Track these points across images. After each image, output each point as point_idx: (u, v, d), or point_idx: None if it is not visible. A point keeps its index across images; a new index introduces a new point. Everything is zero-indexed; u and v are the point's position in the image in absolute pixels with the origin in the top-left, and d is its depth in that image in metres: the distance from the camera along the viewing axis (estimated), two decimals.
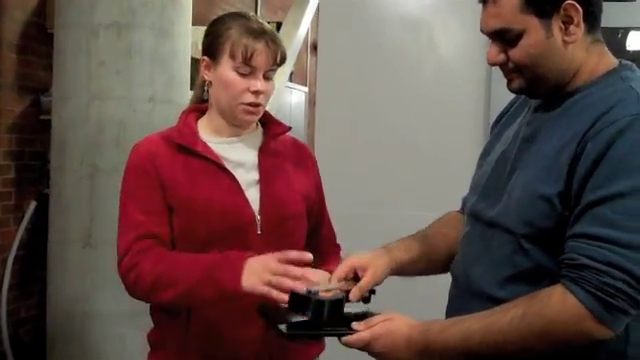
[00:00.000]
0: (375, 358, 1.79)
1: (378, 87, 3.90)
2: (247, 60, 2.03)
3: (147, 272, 1.95)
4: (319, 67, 4.20)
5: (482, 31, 1.75)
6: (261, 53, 2.03)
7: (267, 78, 2.08)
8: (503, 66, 1.76)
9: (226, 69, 2.06)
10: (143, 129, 3.87)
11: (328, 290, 1.84)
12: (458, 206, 3.60)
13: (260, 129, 2.22)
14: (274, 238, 2.06)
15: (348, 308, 1.87)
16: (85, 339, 3.99)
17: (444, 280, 2.00)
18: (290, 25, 7.64)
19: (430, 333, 1.71)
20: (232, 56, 2.04)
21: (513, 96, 3.38)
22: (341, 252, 2.35)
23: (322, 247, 2.28)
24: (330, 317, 1.77)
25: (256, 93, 2.05)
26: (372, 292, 1.94)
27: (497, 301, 1.69)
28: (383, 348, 1.74)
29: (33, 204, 4.89)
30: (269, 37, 2.05)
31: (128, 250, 2.00)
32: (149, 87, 3.98)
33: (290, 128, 2.24)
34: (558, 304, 1.57)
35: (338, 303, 1.81)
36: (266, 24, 2.09)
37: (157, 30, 3.99)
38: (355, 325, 1.77)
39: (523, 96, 1.91)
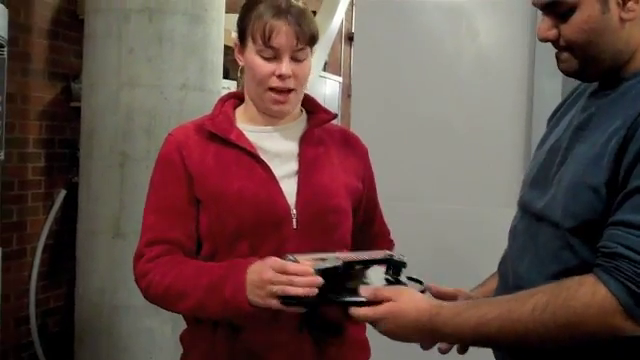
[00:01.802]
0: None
1: (415, 78, 3.78)
2: (267, 41, 1.88)
3: (157, 283, 1.89)
4: (354, 57, 4.10)
5: (534, 4, 1.64)
6: (280, 32, 1.88)
7: (297, 60, 1.92)
8: (554, 44, 1.64)
9: (251, 53, 1.93)
10: (174, 117, 3.83)
11: (323, 260, 1.74)
12: (498, 200, 3.52)
13: (304, 117, 2.09)
14: (312, 234, 1.92)
15: (370, 279, 1.78)
16: (113, 332, 3.95)
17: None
18: (324, 14, 7.56)
19: (441, 317, 1.59)
20: (253, 38, 1.91)
21: (558, 89, 3.29)
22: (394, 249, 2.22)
23: (373, 244, 2.14)
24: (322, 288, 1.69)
25: (282, 77, 1.91)
26: (403, 265, 1.81)
27: None
28: (389, 330, 1.64)
29: (63, 193, 4.86)
30: (292, 14, 1.89)
31: (140, 255, 1.94)
32: (181, 74, 3.91)
33: (336, 115, 2.11)
34: (587, 295, 1.45)
35: (329, 272, 1.71)
36: (296, 2, 1.94)
37: (189, 16, 3.91)
38: (362, 290, 1.68)
39: (582, 85, 1.79)
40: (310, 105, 2.10)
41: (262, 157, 1.95)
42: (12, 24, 4.40)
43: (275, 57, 1.90)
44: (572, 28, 1.58)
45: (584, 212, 1.53)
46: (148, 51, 3.86)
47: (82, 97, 4.13)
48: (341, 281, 1.75)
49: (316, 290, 1.67)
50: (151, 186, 2.00)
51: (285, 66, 1.89)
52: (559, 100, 3.22)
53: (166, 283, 1.87)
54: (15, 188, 4.56)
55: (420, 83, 3.75)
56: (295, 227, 1.90)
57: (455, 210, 3.62)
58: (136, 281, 1.95)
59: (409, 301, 1.63)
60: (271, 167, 1.94)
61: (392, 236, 2.26)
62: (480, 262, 3.31)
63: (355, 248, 2.07)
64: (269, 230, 1.90)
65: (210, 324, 1.95)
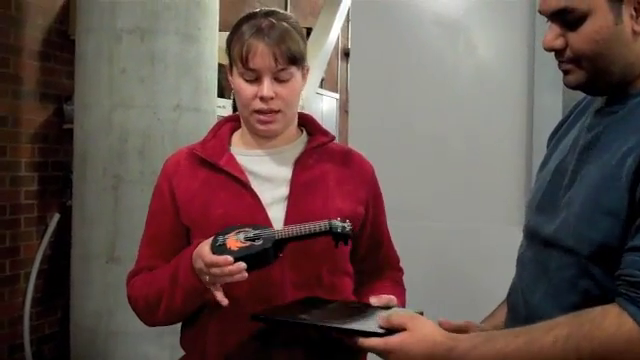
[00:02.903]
0: None
1: (413, 94, 3.71)
2: (245, 63, 1.83)
3: (138, 299, 1.93)
4: (351, 73, 4.03)
5: (540, 11, 1.55)
6: (256, 53, 1.81)
7: (280, 80, 1.85)
8: (560, 54, 1.55)
9: (235, 76, 1.88)
10: (168, 138, 3.78)
11: (255, 239, 1.71)
12: (496, 218, 3.44)
13: (303, 139, 2.01)
14: (300, 262, 1.85)
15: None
16: (109, 358, 3.86)
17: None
18: (320, 31, 7.52)
19: (457, 351, 1.49)
20: (234, 60, 1.86)
21: (558, 105, 3.22)
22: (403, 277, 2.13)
23: (378, 271, 2.06)
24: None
25: (264, 99, 1.84)
26: (347, 236, 1.73)
27: None
28: None
29: (56, 216, 4.80)
30: (271, 34, 1.82)
31: (127, 283, 1.98)
32: (174, 95, 3.84)
33: (334, 138, 2.03)
34: (612, 327, 1.37)
35: (256, 256, 1.69)
36: (279, 21, 1.86)
37: (182, 35, 3.85)
38: (380, 320, 1.56)
39: (584, 102, 1.70)
40: (309, 126, 2.03)
41: (252, 182, 1.89)
42: (2, 46, 4.35)
43: (257, 79, 1.84)
44: (581, 38, 1.49)
45: (601, 237, 1.44)
46: (140, 71, 3.79)
47: (74, 119, 4.07)
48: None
49: (245, 275, 1.66)
50: (147, 214, 2.01)
51: (266, 88, 1.83)
52: (560, 115, 3.17)
53: (144, 294, 1.90)
54: (7, 213, 4.50)
55: (418, 98, 3.68)
56: (281, 254, 1.79)
57: (454, 228, 3.55)
58: (130, 306, 1.98)
59: (423, 333, 1.53)
60: (259, 192, 1.88)
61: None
62: (480, 279, 3.26)
63: (360, 276, 2.02)
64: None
65: (200, 351, 1.91)
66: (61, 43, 4.83)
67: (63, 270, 4.43)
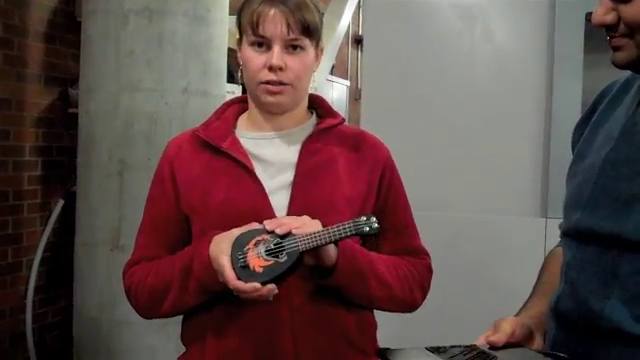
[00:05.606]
0: None
1: (428, 81, 3.62)
2: (255, 29, 1.73)
3: (139, 289, 1.83)
4: (364, 60, 3.94)
5: None
6: (267, 19, 1.72)
7: (291, 51, 1.76)
8: (611, 29, 1.42)
9: (245, 45, 1.78)
10: (176, 123, 3.72)
11: (276, 254, 1.62)
12: (513, 208, 3.34)
13: (313, 122, 1.90)
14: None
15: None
16: (113, 348, 3.82)
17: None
18: (331, 16, 7.46)
19: None
20: (244, 28, 1.77)
21: (578, 92, 3.10)
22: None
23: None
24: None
25: (272, 69, 1.74)
26: (375, 230, 1.61)
27: None
28: None
29: (60, 202, 4.72)
30: (288, 1, 1.73)
31: (124, 273, 1.90)
32: (182, 78, 3.76)
33: (343, 120, 1.92)
34: None
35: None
36: None
37: (191, 17, 3.76)
38: None
39: (615, 87, 1.58)
40: (320, 108, 1.92)
41: (256, 166, 1.80)
42: (6, 27, 4.26)
43: (267, 48, 1.75)
44: (636, 9, 1.37)
45: None
46: (148, 53, 3.70)
47: (80, 102, 3.98)
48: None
49: (276, 291, 1.61)
50: (146, 201, 1.91)
51: (276, 56, 1.73)
52: (579, 102, 3.07)
53: (148, 284, 1.82)
54: (10, 198, 4.42)
55: (433, 86, 3.60)
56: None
57: (473, 219, 3.47)
58: (127, 298, 1.92)
59: None
60: (262, 178, 1.78)
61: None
62: (497, 269, 3.19)
63: None
64: None
65: (199, 348, 1.83)
66: (67, 24, 4.73)
67: (67, 258, 4.34)
